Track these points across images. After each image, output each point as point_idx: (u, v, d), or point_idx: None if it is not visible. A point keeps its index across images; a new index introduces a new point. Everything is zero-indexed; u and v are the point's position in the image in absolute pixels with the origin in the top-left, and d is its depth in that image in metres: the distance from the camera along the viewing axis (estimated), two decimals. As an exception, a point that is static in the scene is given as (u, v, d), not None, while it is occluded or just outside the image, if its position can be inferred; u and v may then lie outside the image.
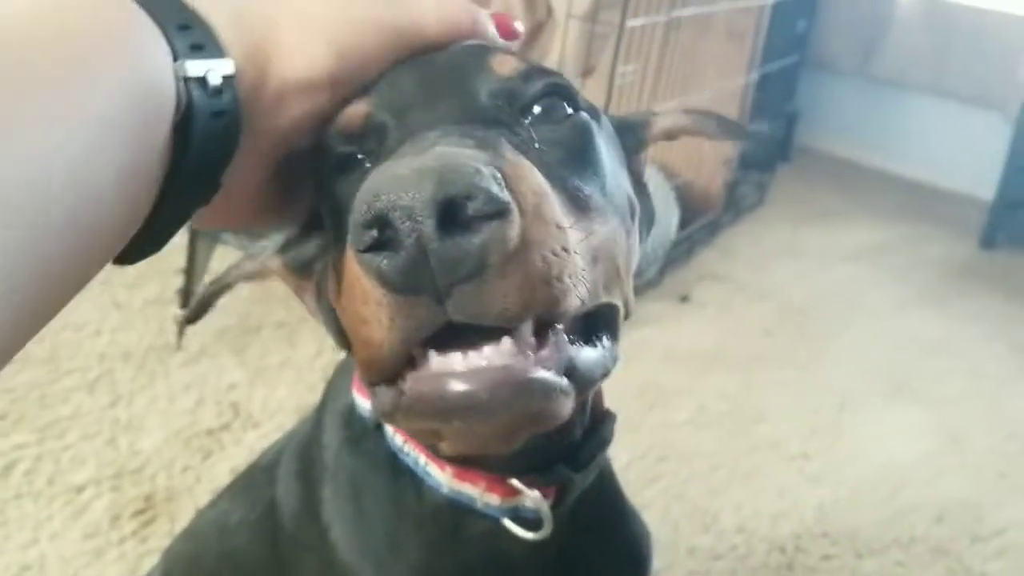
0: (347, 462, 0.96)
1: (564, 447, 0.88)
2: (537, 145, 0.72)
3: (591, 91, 2.84)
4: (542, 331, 0.63)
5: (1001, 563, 2.29)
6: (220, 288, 0.92)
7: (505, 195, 0.58)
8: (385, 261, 0.58)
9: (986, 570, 2.27)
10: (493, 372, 0.60)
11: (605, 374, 0.71)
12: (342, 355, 1.03)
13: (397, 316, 0.60)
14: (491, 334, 0.61)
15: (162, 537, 1.96)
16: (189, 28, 0.62)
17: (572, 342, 0.66)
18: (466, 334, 0.61)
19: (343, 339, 0.79)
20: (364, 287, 0.61)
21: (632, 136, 0.92)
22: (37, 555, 1.90)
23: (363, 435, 0.95)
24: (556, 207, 0.64)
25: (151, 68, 0.59)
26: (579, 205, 0.70)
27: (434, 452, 0.88)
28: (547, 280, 0.60)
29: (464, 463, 0.87)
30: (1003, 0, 4.77)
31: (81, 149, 0.53)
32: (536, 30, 3.37)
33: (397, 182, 0.57)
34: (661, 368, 2.92)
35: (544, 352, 0.63)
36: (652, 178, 0.95)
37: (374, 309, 0.61)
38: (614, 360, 0.73)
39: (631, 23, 2.92)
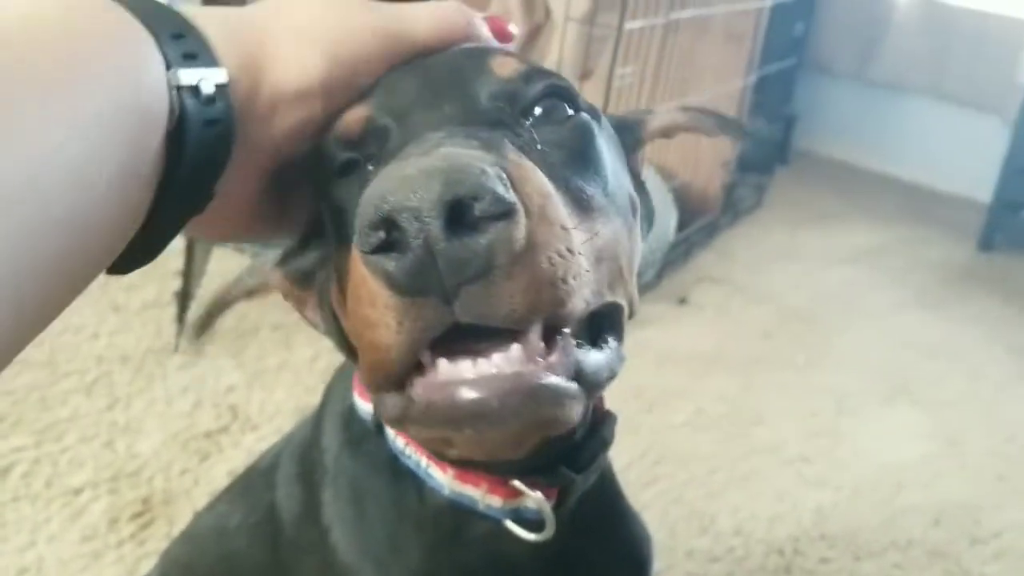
0: (347, 465, 0.96)
1: (565, 448, 0.88)
2: (539, 146, 0.72)
3: (589, 94, 2.83)
4: (550, 336, 0.63)
5: (999, 566, 2.29)
6: (222, 306, 0.92)
7: (511, 196, 0.58)
8: (393, 263, 0.58)
9: (984, 572, 2.27)
10: (503, 380, 0.60)
11: (612, 376, 0.71)
12: (340, 358, 1.03)
13: (405, 318, 0.60)
14: (498, 337, 0.61)
15: (160, 540, 1.96)
16: (182, 37, 0.63)
17: (579, 345, 0.67)
18: (473, 338, 0.61)
19: (347, 347, 0.80)
20: (371, 290, 0.61)
21: (630, 135, 0.92)
22: (35, 557, 1.90)
23: (363, 438, 0.95)
24: (561, 208, 0.64)
25: (145, 74, 0.59)
26: (582, 206, 0.70)
27: (437, 455, 0.88)
28: (553, 281, 0.61)
29: (466, 465, 0.87)
30: (1001, 3, 4.77)
31: (81, 150, 0.53)
32: (534, 33, 3.36)
33: (404, 183, 0.57)
34: (659, 370, 2.93)
35: (553, 358, 0.63)
36: (650, 180, 0.95)
37: (381, 312, 0.61)
38: (621, 360, 0.73)
39: (629, 25, 2.93)
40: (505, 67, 0.76)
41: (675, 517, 2.28)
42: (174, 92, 0.61)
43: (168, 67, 0.61)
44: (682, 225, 3.57)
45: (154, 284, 2.87)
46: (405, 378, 0.64)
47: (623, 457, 2.39)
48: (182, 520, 1.94)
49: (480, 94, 0.74)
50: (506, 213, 0.58)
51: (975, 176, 4.80)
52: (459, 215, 0.56)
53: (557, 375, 0.63)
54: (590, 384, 0.67)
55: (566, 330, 0.64)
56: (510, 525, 0.88)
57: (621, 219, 0.77)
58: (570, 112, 0.77)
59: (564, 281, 0.61)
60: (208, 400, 2.44)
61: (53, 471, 2.12)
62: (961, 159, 5.02)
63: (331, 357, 2.55)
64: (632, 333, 0.75)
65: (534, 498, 0.87)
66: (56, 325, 0.58)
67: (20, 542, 1.93)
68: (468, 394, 0.60)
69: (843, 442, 2.72)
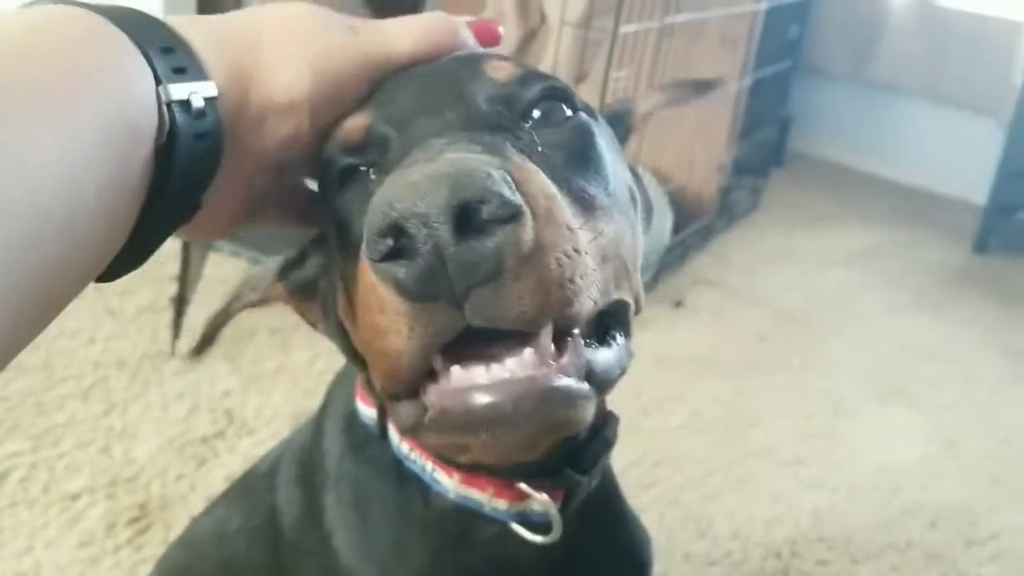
0: (350, 468, 0.97)
1: (570, 450, 0.89)
2: (540, 149, 0.72)
3: (584, 97, 2.83)
4: (560, 338, 0.64)
5: (995, 568, 2.29)
6: (223, 320, 0.92)
7: (518, 198, 0.58)
8: (402, 269, 0.58)
9: (980, 574, 2.27)
10: (517, 384, 0.61)
11: (622, 373, 0.72)
12: (338, 362, 1.03)
13: (416, 324, 0.61)
14: (509, 340, 0.62)
15: (157, 545, 1.96)
16: (172, 51, 0.63)
17: (588, 344, 0.67)
18: (484, 342, 0.62)
19: (355, 355, 0.80)
20: (380, 297, 0.62)
21: (620, 125, 0.94)
22: (32, 563, 1.90)
23: (366, 442, 0.96)
24: (566, 209, 0.65)
25: (134, 88, 0.60)
26: (585, 206, 0.70)
27: (445, 461, 0.88)
28: (561, 282, 0.61)
29: (472, 469, 0.87)
30: (997, 5, 4.78)
31: (76, 161, 0.54)
32: (529, 36, 3.37)
33: (411, 190, 0.57)
34: (655, 373, 2.93)
35: (564, 360, 0.63)
36: (652, 193, 0.96)
37: (392, 319, 0.62)
38: (629, 357, 0.74)
39: (624, 29, 2.93)
40: (501, 71, 0.77)
41: (672, 521, 2.28)
42: (164, 107, 0.61)
43: (158, 82, 0.61)
44: (678, 228, 3.57)
45: (150, 289, 2.87)
46: (418, 385, 0.65)
47: (620, 460, 2.38)
48: (179, 525, 1.93)
49: (478, 99, 0.74)
50: (513, 216, 0.58)
51: (971, 178, 4.81)
52: (467, 219, 0.57)
53: (569, 377, 0.63)
54: (601, 383, 0.67)
55: (576, 331, 0.65)
56: (516, 528, 0.89)
57: (624, 217, 0.77)
58: (568, 113, 0.77)
59: (572, 281, 0.62)
60: (204, 405, 2.44)
61: (50, 476, 2.12)
62: (956, 161, 5.02)
63: (329, 361, 2.56)
64: (628, 336, 0.75)
65: (540, 501, 0.88)
66: (52, 329, 0.58)
67: (17, 547, 1.93)
68: (482, 399, 0.61)
69: (839, 444, 2.72)
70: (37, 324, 0.56)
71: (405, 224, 0.57)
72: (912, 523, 2.40)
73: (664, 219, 3.40)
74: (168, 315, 2.66)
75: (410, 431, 0.68)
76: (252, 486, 1.14)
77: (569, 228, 0.63)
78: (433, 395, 0.64)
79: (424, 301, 0.59)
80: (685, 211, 3.74)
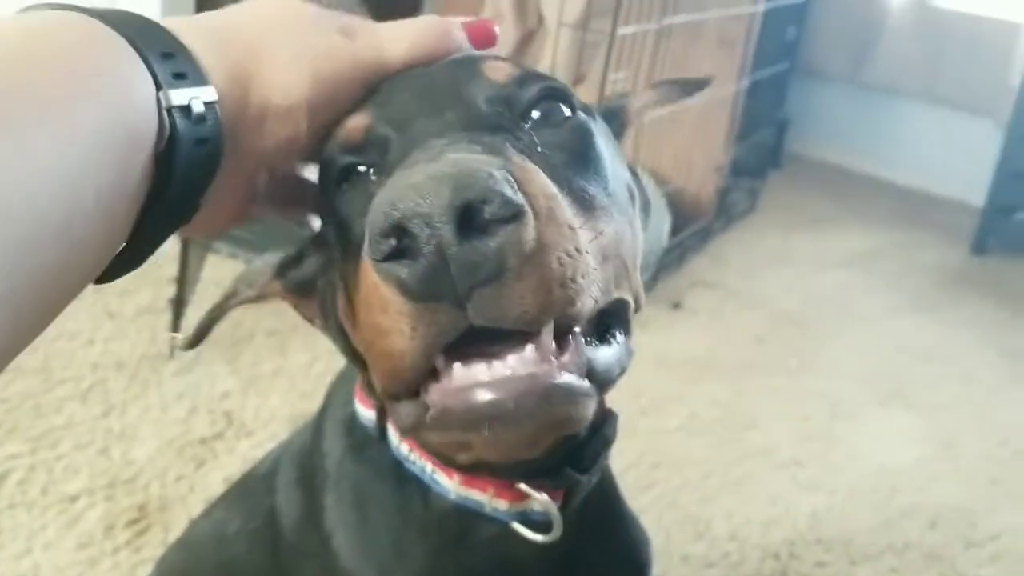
0: (350, 470, 0.97)
1: (569, 448, 0.89)
2: (540, 149, 0.73)
3: (582, 99, 2.84)
4: (560, 336, 0.64)
5: (994, 569, 2.29)
6: (218, 315, 0.92)
7: (519, 198, 0.59)
8: (405, 269, 0.59)
9: (979, 576, 2.27)
10: (518, 381, 0.61)
11: (623, 371, 0.72)
12: (336, 364, 1.03)
13: (419, 324, 0.61)
14: (511, 340, 0.62)
15: (156, 547, 1.96)
16: (172, 56, 0.63)
17: (588, 342, 0.68)
18: (486, 342, 0.62)
19: (354, 356, 0.80)
20: (383, 297, 0.62)
21: (616, 121, 0.94)
22: (31, 565, 1.90)
23: (366, 443, 0.96)
24: (567, 209, 0.65)
25: (134, 94, 0.60)
26: (585, 206, 0.71)
27: (445, 460, 0.88)
28: (563, 281, 0.61)
29: (472, 470, 0.87)
30: (994, 7, 4.78)
31: (75, 166, 0.54)
32: (527, 38, 3.37)
33: (413, 190, 0.57)
34: (653, 375, 2.93)
35: (566, 357, 0.64)
36: (649, 194, 0.97)
37: (395, 319, 0.62)
38: (630, 355, 0.74)
39: (622, 31, 2.93)
40: (499, 71, 0.77)
41: (669, 522, 2.28)
42: (165, 113, 0.61)
43: (159, 88, 0.61)
44: (675, 230, 3.57)
45: (149, 290, 2.87)
46: (419, 385, 0.65)
47: (618, 462, 2.37)
48: (178, 527, 1.93)
49: (478, 100, 0.75)
50: (515, 215, 0.58)
51: (968, 179, 4.81)
52: (469, 219, 0.57)
53: (571, 374, 0.63)
54: (602, 380, 0.68)
55: (577, 329, 0.65)
56: (517, 527, 0.89)
57: (623, 216, 0.77)
58: (567, 114, 0.78)
59: (574, 280, 0.62)
60: (203, 406, 2.44)
61: (49, 478, 2.12)
62: (954, 162, 5.03)
63: (326, 362, 2.56)
64: (625, 337, 0.75)
65: (540, 500, 0.88)
66: (50, 331, 0.59)
67: (16, 549, 1.93)
68: (484, 396, 0.61)
69: (837, 446, 2.72)
70: (35, 327, 0.56)
71: (408, 224, 0.57)
72: (911, 524, 2.40)
73: (662, 221, 3.40)
74: (166, 316, 2.66)
75: (411, 431, 0.69)
76: (251, 488, 1.14)
77: (570, 227, 0.64)
78: (435, 394, 0.64)
79: (427, 301, 0.60)
80: (683, 213, 3.74)
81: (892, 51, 5.08)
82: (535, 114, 0.76)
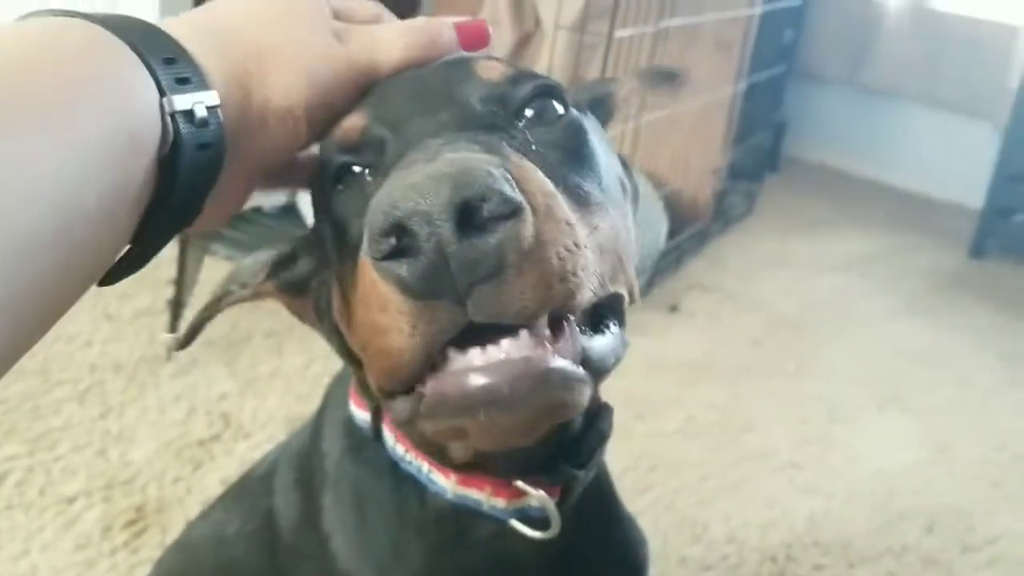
0: (349, 470, 0.97)
1: (565, 443, 0.89)
2: (534, 147, 0.73)
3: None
4: (555, 324, 0.64)
5: (992, 573, 2.29)
6: (211, 314, 0.92)
7: (518, 195, 0.59)
8: (405, 267, 0.59)
9: (977, 579, 2.27)
10: (513, 365, 0.61)
11: (617, 360, 0.72)
12: (334, 366, 1.03)
13: (419, 321, 0.61)
14: (508, 332, 0.62)
15: (153, 548, 1.96)
16: (174, 61, 0.63)
17: (583, 332, 0.68)
18: (484, 340, 0.62)
19: (348, 355, 0.80)
20: (382, 296, 0.62)
21: (602, 108, 0.95)
22: (28, 566, 1.90)
23: (364, 444, 0.96)
24: (564, 205, 0.66)
25: (136, 99, 0.60)
26: (581, 202, 0.71)
27: (441, 459, 0.88)
28: (562, 276, 0.62)
29: (468, 468, 0.87)
30: (992, 9, 4.78)
31: (75, 171, 0.54)
32: (524, 40, 3.37)
33: (413, 189, 0.58)
34: (650, 378, 2.93)
35: (560, 343, 0.64)
36: (640, 188, 0.97)
37: (394, 317, 0.62)
38: (624, 345, 0.74)
39: (619, 33, 2.93)
40: (491, 71, 0.78)
41: (667, 525, 2.28)
42: (168, 118, 0.61)
43: (162, 93, 0.61)
44: (672, 233, 3.57)
45: (147, 293, 2.87)
46: (416, 382, 0.65)
47: (615, 465, 2.37)
48: (175, 528, 1.93)
49: (472, 99, 0.75)
50: (514, 212, 0.59)
51: (966, 182, 4.81)
52: (468, 217, 0.57)
53: (565, 359, 0.63)
54: (596, 369, 0.68)
55: (571, 317, 0.65)
56: (516, 524, 0.89)
57: (618, 211, 0.78)
58: (560, 111, 0.78)
59: (574, 274, 0.63)
60: (201, 408, 2.44)
61: (46, 480, 2.12)
62: (952, 165, 5.03)
63: (324, 364, 2.56)
64: (622, 340, 0.75)
65: (538, 497, 0.88)
66: (49, 333, 0.59)
67: (14, 550, 1.93)
68: (478, 380, 0.61)
69: (834, 449, 2.72)
70: (35, 332, 0.57)
71: (408, 223, 0.57)
72: (908, 528, 2.40)
73: (659, 224, 3.40)
74: (165, 319, 2.66)
75: (407, 423, 0.69)
76: (249, 489, 1.14)
77: (568, 223, 0.64)
78: (431, 383, 0.64)
79: (427, 299, 0.60)
80: (680, 215, 3.74)
81: (890, 54, 5.08)
82: (528, 112, 0.76)
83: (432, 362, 0.64)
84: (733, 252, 4.05)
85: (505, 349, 0.62)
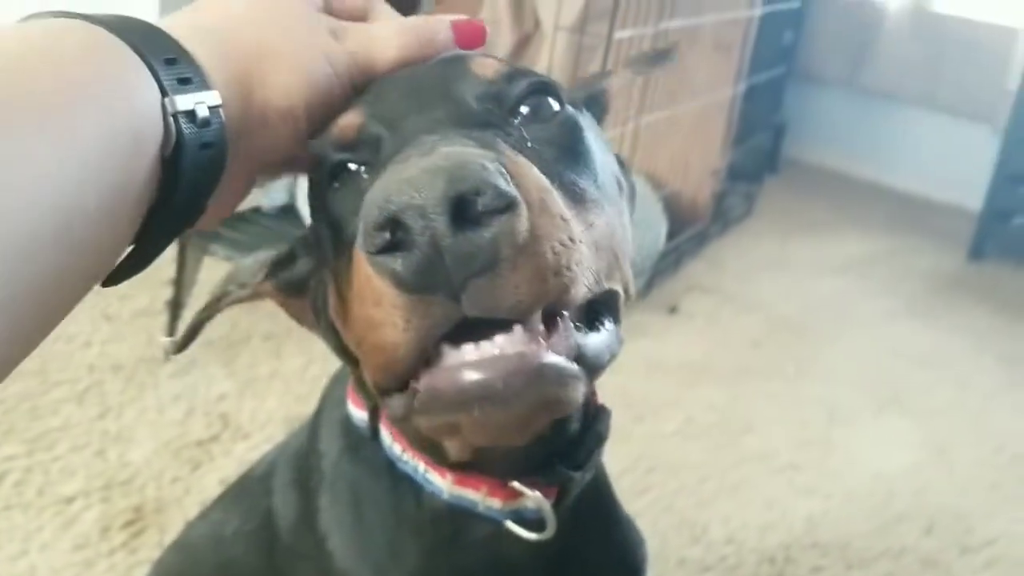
0: (346, 470, 0.97)
1: (562, 444, 0.89)
2: (530, 144, 0.73)
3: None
4: (550, 320, 0.64)
5: (990, 574, 2.29)
6: (209, 315, 0.92)
7: (513, 189, 0.59)
8: (400, 261, 0.59)
9: (975, 581, 2.27)
10: (507, 360, 0.61)
11: (612, 357, 0.72)
12: (332, 366, 1.03)
13: (413, 316, 0.61)
14: (502, 327, 0.62)
15: (152, 548, 1.96)
16: (176, 62, 0.63)
17: (578, 329, 0.67)
18: (478, 336, 0.62)
19: (345, 353, 0.80)
20: (376, 290, 0.62)
21: (597, 105, 0.95)
22: (27, 566, 1.90)
23: (361, 443, 0.96)
24: (559, 200, 0.66)
25: (137, 100, 0.60)
26: (576, 199, 0.71)
27: (437, 458, 0.88)
28: (557, 270, 0.62)
29: (464, 468, 0.87)
30: (991, 11, 4.78)
31: (75, 172, 0.55)
32: (524, 42, 3.37)
33: (408, 183, 0.58)
34: (649, 379, 2.93)
35: (554, 339, 0.64)
36: (639, 189, 0.97)
37: (388, 311, 0.62)
38: (619, 343, 0.74)
39: (619, 35, 2.93)
40: (486, 68, 0.78)
41: (666, 526, 2.28)
42: (171, 119, 0.62)
43: (164, 94, 0.61)
44: (672, 234, 3.57)
45: (146, 293, 2.87)
46: (410, 378, 0.65)
47: (614, 466, 2.37)
48: (174, 529, 1.93)
49: (467, 97, 0.75)
50: (508, 206, 0.59)
51: (965, 184, 4.81)
52: (463, 211, 0.57)
53: (559, 355, 0.63)
54: (591, 366, 0.68)
55: (566, 313, 0.65)
56: (511, 525, 0.89)
57: (614, 208, 0.78)
58: (556, 108, 0.78)
59: (569, 268, 0.63)
60: (199, 409, 2.44)
61: (45, 480, 2.12)
62: (952, 167, 5.03)
63: (323, 365, 2.56)
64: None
65: (534, 498, 0.87)
66: (48, 334, 0.59)
67: (12, 551, 1.92)
68: (472, 376, 0.61)
69: (834, 451, 2.72)
70: (37, 332, 0.57)
71: (402, 216, 0.57)
72: (907, 529, 2.40)
73: (658, 225, 3.40)
74: (163, 319, 2.66)
75: (402, 419, 0.69)
76: (248, 489, 1.14)
77: (563, 218, 0.64)
78: (424, 378, 0.64)
79: (421, 293, 0.60)
80: (679, 217, 3.74)
81: (890, 56, 5.09)
82: (524, 109, 0.76)
83: (426, 357, 0.63)
84: (732, 253, 4.06)
85: (499, 344, 0.62)
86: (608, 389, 0.83)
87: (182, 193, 0.63)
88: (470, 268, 0.58)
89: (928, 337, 3.56)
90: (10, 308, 0.51)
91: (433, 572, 0.92)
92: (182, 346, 0.94)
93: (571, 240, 0.64)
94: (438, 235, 0.57)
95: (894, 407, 3.01)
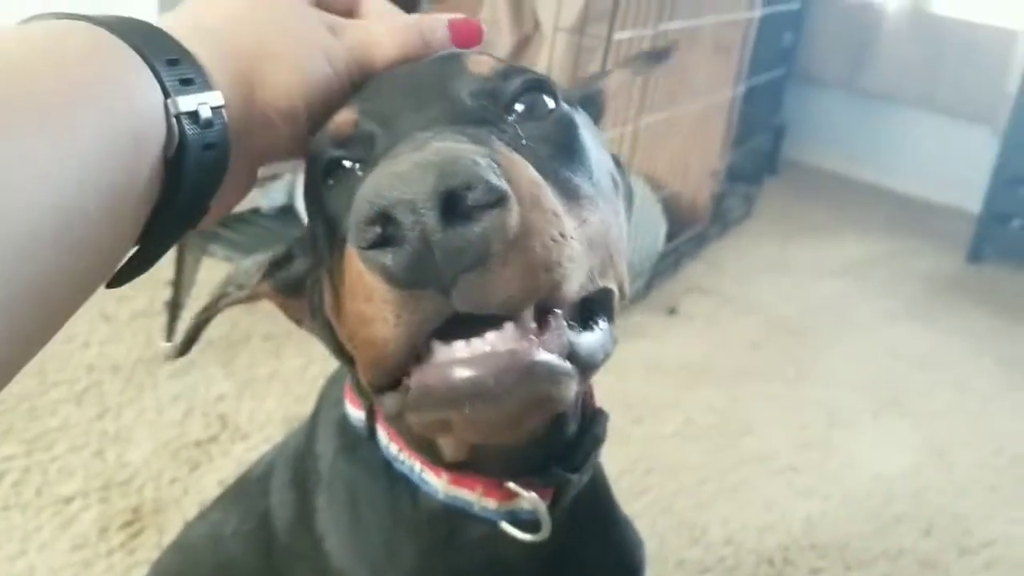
0: (343, 470, 0.97)
1: (559, 446, 0.89)
2: (524, 141, 0.73)
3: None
4: (542, 317, 0.64)
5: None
6: (208, 317, 0.92)
7: (503, 184, 0.59)
8: (390, 256, 0.59)
9: (974, 583, 2.27)
10: (498, 357, 0.61)
11: (606, 356, 0.72)
12: (330, 367, 1.03)
13: (403, 311, 0.61)
14: (493, 324, 0.62)
15: (150, 549, 1.96)
16: (178, 63, 0.63)
17: (571, 327, 0.67)
18: (470, 331, 0.62)
19: (341, 351, 0.80)
20: (367, 285, 0.62)
21: (593, 105, 0.95)
22: (25, 566, 1.90)
23: (358, 443, 0.96)
24: (551, 196, 0.65)
25: (139, 100, 0.60)
26: (570, 196, 0.71)
27: (431, 458, 0.88)
28: (548, 266, 0.61)
29: (460, 468, 0.87)
30: (991, 13, 4.78)
31: (76, 173, 0.54)
32: (523, 43, 3.37)
33: (398, 178, 0.58)
34: (648, 381, 2.93)
35: (546, 336, 0.64)
36: (639, 191, 0.97)
37: (379, 307, 0.62)
38: (613, 342, 0.74)
39: (618, 36, 2.93)
40: (481, 65, 0.78)
41: (665, 528, 2.28)
42: (173, 120, 0.62)
43: (166, 95, 0.61)
44: (671, 235, 3.58)
45: (145, 294, 2.88)
46: (403, 374, 0.65)
47: (613, 467, 2.37)
48: (172, 529, 1.93)
49: (462, 94, 0.75)
50: (499, 201, 0.58)
51: (965, 186, 4.80)
52: (453, 206, 0.57)
53: (551, 352, 0.63)
54: (584, 364, 0.67)
55: (558, 311, 0.65)
56: (506, 527, 0.89)
57: (609, 206, 0.78)
58: (551, 106, 0.78)
59: (560, 264, 0.62)
60: (198, 409, 2.44)
61: (43, 480, 2.12)
62: (951, 169, 5.03)
63: (321, 366, 2.56)
64: (621, 343, 0.75)
65: (529, 499, 0.87)
66: (47, 334, 0.59)
67: (11, 551, 1.93)
68: (463, 373, 0.61)
69: (833, 453, 2.72)
70: (39, 334, 0.56)
71: (392, 211, 0.57)
72: (905, 531, 2.41)
73: (657, 226, 3.40)
74: (162, 320, 2.66)
75: (395, 417, 0.69)
76: (246, 490, 1.14)
77: (555, 214, 0.64)
78: (416, 375, 0.64)
79: (411, 288, 0.60)
80: (679, 218, 3.75)
81: (889, 57, 5.08)
82: (519, 107, 0.76)
83: (417, 353, 0.63)
84: (732, 255, 4.06)
85: (490, 341, 0.62)
86: (607, 390, 0.83)
87: (185, 194, 0.63)
88: (460, 263, 0.58)
89: (927, 339, 3.56)
90: (10, 308, 0.51)
91: (429, 572, 0.92)
92: (183, 350, 0.94)
93: (563, 236, 0.63)
94: (428, 230, 0.57)
95: (893, 409, 3.01)
